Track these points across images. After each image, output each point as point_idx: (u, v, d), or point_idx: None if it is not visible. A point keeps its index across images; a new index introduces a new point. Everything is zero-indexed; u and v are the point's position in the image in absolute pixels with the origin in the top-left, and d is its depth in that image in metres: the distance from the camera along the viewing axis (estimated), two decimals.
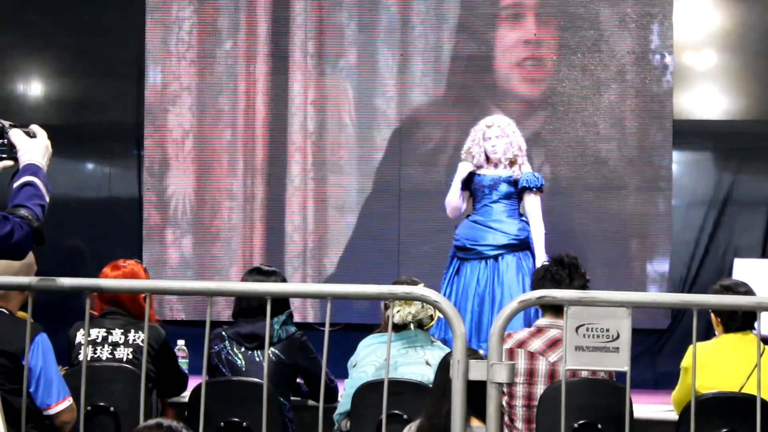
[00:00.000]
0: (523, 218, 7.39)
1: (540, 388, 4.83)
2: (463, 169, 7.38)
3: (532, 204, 7.35)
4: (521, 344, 4.91)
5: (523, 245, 7.33)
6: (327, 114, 9.17)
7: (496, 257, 7.27)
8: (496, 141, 7.36)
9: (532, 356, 4.89)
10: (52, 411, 4.63)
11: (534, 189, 7.34)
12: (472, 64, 9.03)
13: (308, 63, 9.20)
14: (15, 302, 4.69)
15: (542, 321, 4.99)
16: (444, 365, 3.97)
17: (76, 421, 4.48)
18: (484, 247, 7.29)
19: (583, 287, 5.07)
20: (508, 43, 8.98)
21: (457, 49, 9.05)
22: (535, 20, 8.93)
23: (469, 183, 7.40)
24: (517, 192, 7.36)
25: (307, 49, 9.20)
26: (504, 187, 7.34)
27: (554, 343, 4.87)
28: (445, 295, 7.14)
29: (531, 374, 4.87)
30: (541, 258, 7.23)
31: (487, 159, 7.40)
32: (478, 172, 7.39)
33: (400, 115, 9.06)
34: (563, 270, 5.10)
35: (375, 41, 9.13)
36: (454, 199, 7.43)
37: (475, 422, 3.80)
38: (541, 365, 4.87)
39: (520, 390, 4.88)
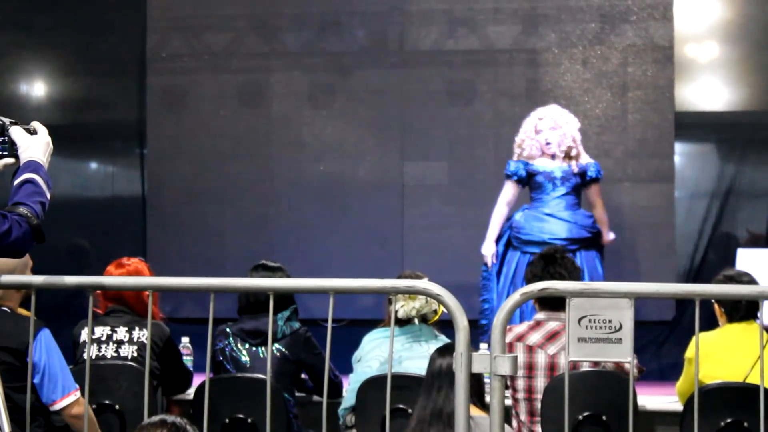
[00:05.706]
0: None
1: (540, 381, 4.82)
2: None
3: (598, 193, 7.49)
4: (520, 338, 4.90)
5: (594, 239, 7.40)
6: (332, 111, 9.18)
7: (573, 251, 7.20)
8: (550, 133, 7.36)
9: (530, 350, 4.87)
10: (58, 406, 4.61)
11: (599, 178, 7.43)
12: (473, 58, 9.03)
13: (312, 60, 9.21)
14: (15, 300, 4.70)
15: (540, 315, 4.98)
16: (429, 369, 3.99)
17: (81, 420, 4.47)
18: (566, 241, 7.20)
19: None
20: (508, 36, 8.98)
21: (458, 43, 9.05)
22: (536, 13, 8.92)
23: (531, 177, 7.36)
24: (582, 183, 7.41)
25: (311, 47, 9.21)
26: (573, 180, 7.34)
27: (553, 336, 4.87)
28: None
29: (530, 368, 4.86)
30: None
31: (542, 151, 7.40)
32: (536, 164, 7.36)
33: (402, 109, 9.05)
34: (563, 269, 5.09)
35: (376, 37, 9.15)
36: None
37: (474, 411, 3.80)
38: (540, 358, 4.86)
39: (521, 383, 4.88)
